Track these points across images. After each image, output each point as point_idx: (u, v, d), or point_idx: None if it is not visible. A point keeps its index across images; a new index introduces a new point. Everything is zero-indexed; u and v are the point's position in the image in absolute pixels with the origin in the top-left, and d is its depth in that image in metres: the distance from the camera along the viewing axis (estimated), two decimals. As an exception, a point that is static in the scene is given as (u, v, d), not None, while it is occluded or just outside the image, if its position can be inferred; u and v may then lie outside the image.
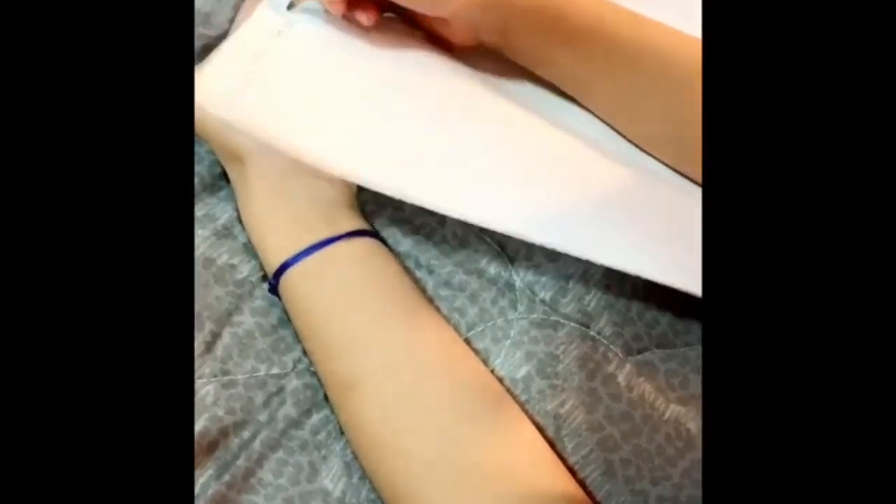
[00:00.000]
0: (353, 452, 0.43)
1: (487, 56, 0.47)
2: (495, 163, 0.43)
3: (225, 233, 0.46)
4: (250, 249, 0.46)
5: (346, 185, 0.45)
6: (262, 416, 0.43)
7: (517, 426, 0.42)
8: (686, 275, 0.41)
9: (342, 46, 0.43)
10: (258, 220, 0.43)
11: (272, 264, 0.43)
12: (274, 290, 0.44)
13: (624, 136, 0.47)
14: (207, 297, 0.44)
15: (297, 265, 0.42)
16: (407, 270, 0.46)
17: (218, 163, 0.46)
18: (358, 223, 0.44)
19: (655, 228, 0.43)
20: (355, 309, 0.41)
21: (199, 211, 0.46)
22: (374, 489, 0.42)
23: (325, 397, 0.44)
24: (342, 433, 0.44)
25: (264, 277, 0.45)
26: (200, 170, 0.46)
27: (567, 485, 0.40)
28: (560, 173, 0.44)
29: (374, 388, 0.40)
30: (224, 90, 0.39)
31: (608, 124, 0.47)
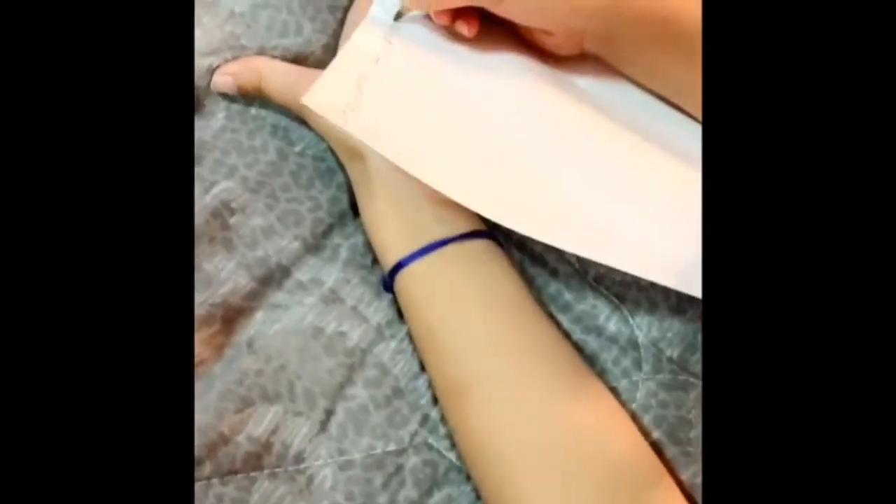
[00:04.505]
0: (461, 459, 0.42)
1: (587, 64, 0.44)
2: (613, 199, 0.41)
3: (332, 297, 0.43)
4: (359, 313, 0.43)
5: None
6: (383, 499, 0.41)
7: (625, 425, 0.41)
8: None
9: (442, 63, 0.43)
10: (376, 218, 0.43)
11: (388, 262, 0.42)
12: (389, 288, 0.43)
13: None
14: (318, 370, 0.41)
15: (410, 265, 0.41)
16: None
17: (321, 221, 0.43)
18: (472, 223, 0.43)
19: None
20: (466, 312, 0.41)
21: (305, 275, 0.42)
22: None
23: (446, 473, 0.42)
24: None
25: (373, 342, 0.42)
26: (302, 231, 0.42)
27: None
28: (689, 211, 0.41)
29: (482, 395, 0.40)
30: (337, 105, 0.40)
31: None
